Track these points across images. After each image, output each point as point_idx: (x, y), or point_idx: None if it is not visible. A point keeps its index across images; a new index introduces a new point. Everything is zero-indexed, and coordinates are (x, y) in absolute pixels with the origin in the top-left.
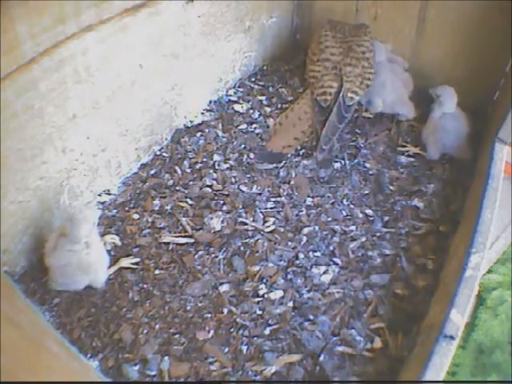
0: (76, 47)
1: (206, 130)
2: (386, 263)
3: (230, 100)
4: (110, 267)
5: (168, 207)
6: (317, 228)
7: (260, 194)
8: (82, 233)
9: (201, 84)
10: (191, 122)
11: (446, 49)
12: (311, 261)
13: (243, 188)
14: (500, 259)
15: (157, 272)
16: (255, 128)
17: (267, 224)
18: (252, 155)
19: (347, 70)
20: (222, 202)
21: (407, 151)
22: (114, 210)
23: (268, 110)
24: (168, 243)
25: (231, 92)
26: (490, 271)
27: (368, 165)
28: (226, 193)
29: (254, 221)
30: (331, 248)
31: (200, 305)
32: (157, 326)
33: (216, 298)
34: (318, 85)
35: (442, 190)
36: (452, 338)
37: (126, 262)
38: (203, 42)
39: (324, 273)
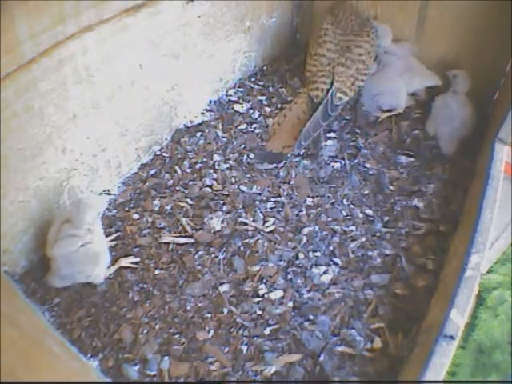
0: (76, 47)
1: (206, 130)
2: (386, 263)
3: (230, 100)
4: (109, 267)
5: (168, 207)
6: (317, 228)
7: (260, 194)
8: (86, 218)
9: (201, 84)
10: (191, 122)
11: (446, 49)
12: (311, 261)
13: (243, 188)
14: (500, 259)
15: (157, 272)
16: (255, 128)
17: (267, 224)
18: (252, 155)
19: (339, 70)
20: (222, 201)
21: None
22: (114, 210)
23: (268, 109)
24: (168, 243)
25: (231, 92)
26: (490, 271)
27: (368, 165)
28: (226, 193)
29: (254, 221)
30: (331, 248)
31: (200, 305)
32: (157, 326)
33: (216, 298)
34: (312, 80)
35: (442, 190)
36: (452, 338)
37: (125, 262)
38: (203, 42)
39: (324, 273)
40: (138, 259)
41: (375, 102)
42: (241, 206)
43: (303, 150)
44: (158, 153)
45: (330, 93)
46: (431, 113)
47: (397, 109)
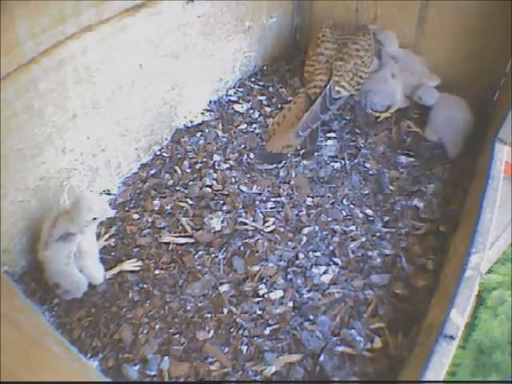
0: (76, 47)
1: (206, 130)
2: (386, 263)
3: (230, 100)
4: (111, 268)
5: (168, 207)
6: (317, 228)
7: (260, 194)
8: (82, 217)
9: (201, 84)
10: (191, 122)
11: (446, 49)
12: (311, 261)
13: (243, 188)
14: (500, 259)
15: (157, 272)
16: (255, 128)
17: (267, 224)
18: (252, 155)
19: (337, 64)
20: (222, 201)
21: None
22: (114, 210)
23: (268, 109)
24: (168, 243)
25: (231, 92)
26: (490, 271)
27: (368, 165)
28: (226, 193)
29: (254, 221)
30: (331, 248)
31: (200, 305)
32: (157, 326)
33: (216, 298)
34: (310, 78)
35: (441, 190)
36: (452, 338)
37: (128, 266)
38: (203, 42)
39: (324, 273)
40: (139, 263)
41: (365, 99)
42: (241, 206)
43: (303, 150)
44: (158, 153)
45: (328, 86)
46: (430, 123)
47: (392, 106)
